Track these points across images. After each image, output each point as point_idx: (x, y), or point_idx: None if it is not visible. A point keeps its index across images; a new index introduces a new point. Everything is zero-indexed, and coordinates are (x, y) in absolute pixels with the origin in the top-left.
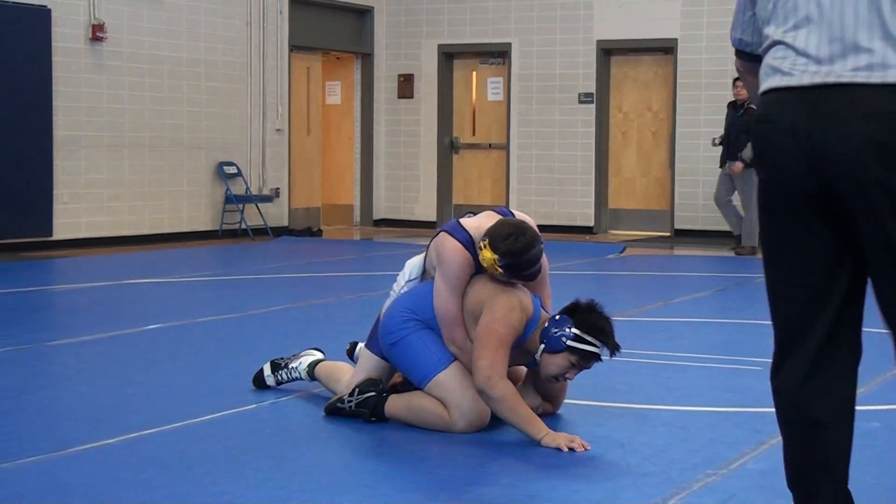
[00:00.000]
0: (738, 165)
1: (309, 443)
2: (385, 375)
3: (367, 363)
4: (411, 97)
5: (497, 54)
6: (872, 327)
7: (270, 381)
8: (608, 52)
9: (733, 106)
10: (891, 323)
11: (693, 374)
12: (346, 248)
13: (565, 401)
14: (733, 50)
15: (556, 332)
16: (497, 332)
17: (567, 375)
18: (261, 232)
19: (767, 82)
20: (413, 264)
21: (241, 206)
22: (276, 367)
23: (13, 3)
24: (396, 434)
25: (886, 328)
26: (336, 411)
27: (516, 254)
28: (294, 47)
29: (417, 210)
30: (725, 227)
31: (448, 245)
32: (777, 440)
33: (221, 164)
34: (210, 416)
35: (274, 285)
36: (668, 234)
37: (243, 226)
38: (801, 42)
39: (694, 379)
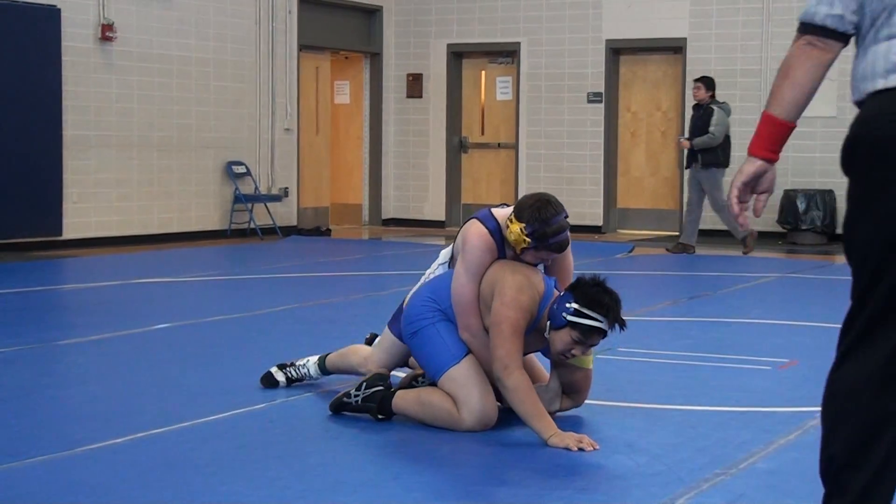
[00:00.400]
0: (685, 142)
1: (317, 442)
2: (402, 357)
3: (387, 341)
4: (420, 97)
5: (506, 54)
6: None
7: (280, 376)
8: (617, 51)
9: (696, 107)
10: None
11: (702, 374)
12: (355, 247)
13: None
14: (803, 29)
15: (557, 308)
16: (509, 317)
17: (573, 352)
18: (269, 231)
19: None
20: (446, 252)
21: (249, 205)
22: (282, 366)
23: (23, 2)
24: (405, 434)
25: None
26: (342, 406)
27: (542, 220)
28: (303, 47)
29: (426, 209)
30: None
31: (473, 230)
32: (785, 440)
33: (230, 164)
34: (218, 416)
35: (282, 285)
36: (676, 233)
37: (252, 225)
38: None
39: (702, 378)
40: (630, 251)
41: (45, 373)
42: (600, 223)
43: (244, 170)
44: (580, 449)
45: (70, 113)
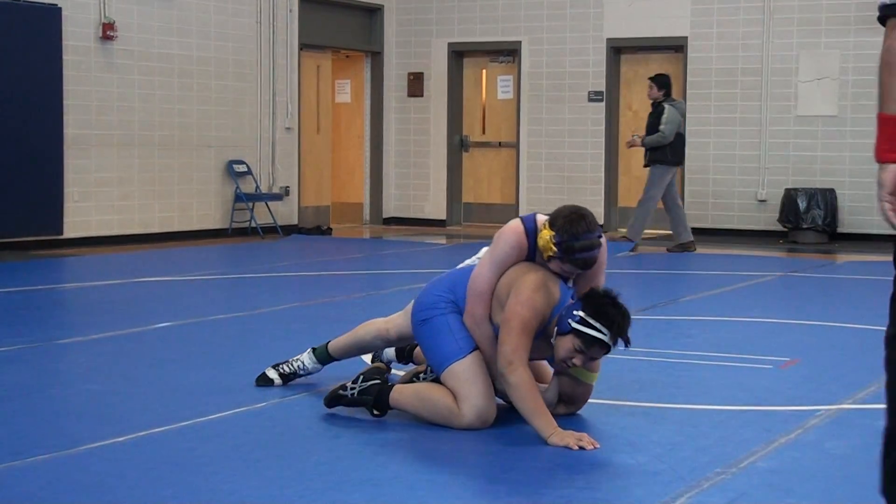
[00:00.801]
0: (636, 140)
1: (318, 441)
2: None
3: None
4: (421, 95)
5: (507, 52)
6: (884, 326)
7: (273, 374)
8: (618, 50)
9: (653, 105)
10: None
11: (702, 373)
12: (356, 246)
13: None
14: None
15: (565, 314)
16: (520, 315)
17: (574, 361)
18: (270, 230)
19: None
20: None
21: (250, 204)
22: (276, 366)
23: (24, 1)
24: (405, 433)
25: None
26: (337, 399)
27: (572, 233)
28: (304, 45)
29: (427, 208)
30: (735, 225)
31: (511, 225)
32: (786, 439)
33: (231, 163)
34: (219, 415)
35: (283, 284)
36: None
37: (253, 224)
38: None
39: (703, 377)
40: (631, 250)
41: (46, 371)
42: (601, 222)
43: (245, 169)
44: (580, 447)
45: (71, 112)
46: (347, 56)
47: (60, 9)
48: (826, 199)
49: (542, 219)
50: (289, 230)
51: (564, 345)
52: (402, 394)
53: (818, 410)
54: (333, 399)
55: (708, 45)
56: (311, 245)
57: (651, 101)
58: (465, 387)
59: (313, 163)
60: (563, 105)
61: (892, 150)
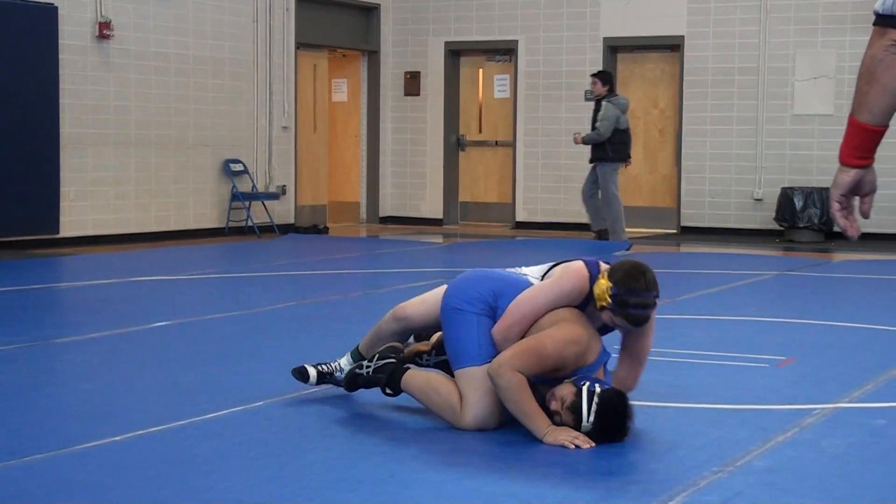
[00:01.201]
0: (577, 137)
1: (315, 441)
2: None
3: (439, 295)
4: (418, 94)
5: (503, 51)
6: (880, 324)
7: (312, 371)
8: (614, 49)
9: (596, 102)
10: None
11: (699, 372)
12: (353, 245)
13: None
14: (883, 22)
15: (584, 377)
16: (545, 346)
17: (558, 410)
18: (267, 229)
19: None
20: (537, 268)
21: (247, 203)
22: (316, 364)
23: (20, 1)
24: (402, 432)
25: None
26: (355, 378)
27: (630, 288)
28: (300, 45)
29: (423, 207)
30: (731, 224)
31: (576, 267)
32: (783, 438)
33: (228, 162)
34: (216, 414)
35: (280, 282)
36: (674, 231)
37: (249, 223)
38: None
39: (700, 376)
40: (627, 249)
41: (43, 371)
42: None
43: (242, 168)
44: (576, 446)
45: (67, 111)
46: (344, 55)
47: (57, 8)
48: (822, 198)
49: (605, 267)
50: (285, 229)
51: (563, 390)
52: (414, 379)
53: (814, 409)
54: (351, 379)
55: (704, 44)
56: (308, 244)
57: (595, 98)
58: (473, 393)
59: (310, 162)
60: (560, 104)
61: (857, 157)
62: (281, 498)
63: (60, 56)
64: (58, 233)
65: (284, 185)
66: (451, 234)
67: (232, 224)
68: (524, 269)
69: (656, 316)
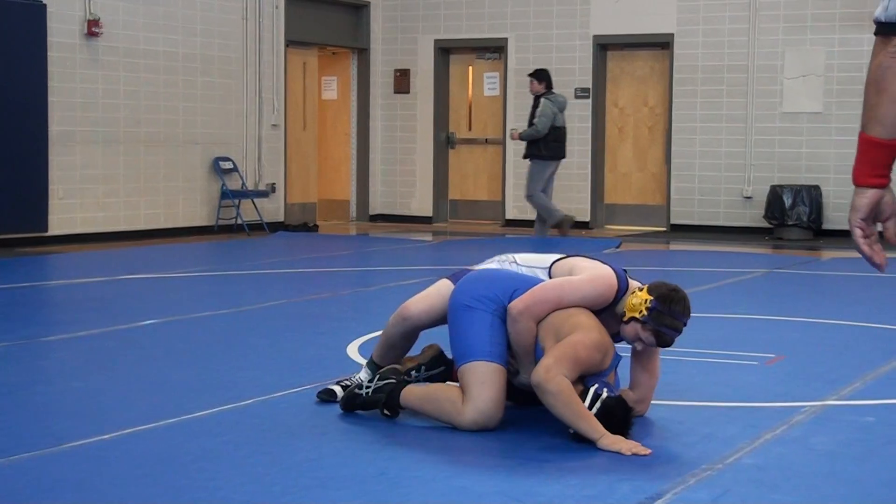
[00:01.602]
0: (514, 134)
1: (305, 439)
2: (443, 316)
3: (444, 289)
4: (407, 92)
5: (493, 49)
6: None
7: (337, 389)
8: (604, 46)
9: (534, 99)
10: None
11: (688, 369)
12: (342, 243)
13: None
14: (885, 30)
15: (592, 379)
16: (578, 353)
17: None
18: (257, 227)
19: None
20: (533, 259)
21: (236, 201)
22: (339, 381)
23: None
24: (393, 430)
25: None
26: (353, 399)
27: (670, 308)
28: (290, 42)
29: (413, 205)
30: (721, 221)
31: (606, 275)
32: (772, 435)
33: (217, 160)
34: (206, 412)
35: (270, 281)
36: (664, 228)
37: (239, 221)
38: None
39: (689, 374)
40: (617, 247)
41: (31, 369)
42: (588, 219)
43: (231, 165)
44: (633, 454)
45: (56, 109)
46: (334, 53)
47: (45, 5)
48: (811, 196)
49: (633, 282)
50: (275, 227)
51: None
52: (412, 391)
53: (803, 407)
54: (349, 399)
55: (694, 42)
56: (298, 242)
57: (533, 96)
58: (476, 387)
59: (299, 160)
60: None
61: (872, 175)
62: (270, 496)
63: (49, 54)
64: (46, 231)
65: (274, 183)
66: (440, 231)
67: (221, 222)
68: (517, 256)
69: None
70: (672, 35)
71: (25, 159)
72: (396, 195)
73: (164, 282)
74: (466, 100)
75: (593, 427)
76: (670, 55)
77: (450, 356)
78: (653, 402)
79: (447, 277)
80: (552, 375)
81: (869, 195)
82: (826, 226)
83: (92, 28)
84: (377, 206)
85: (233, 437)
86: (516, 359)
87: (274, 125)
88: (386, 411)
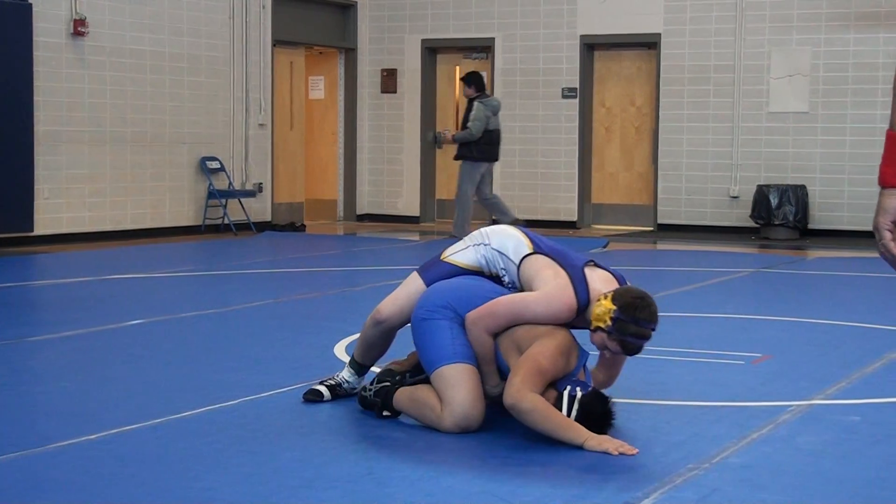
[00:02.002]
0: (447, 135)
1: (292, 438)
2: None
3: (412, 286)
4: (394, 92)
5: (480, 49)
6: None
7: (322, 388)
8: (591, 46)
9: (468, 102)
10: None
11: (675, 369)
12: (330, 242)
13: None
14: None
15: (566, 383)
16: (539, 362)
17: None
18: (244, 227)
19: None
20: (505, 243)
21: (223, 200)
22: (322, 381)
23: None
24: (380, 430)
25: None
26: (362, 400)
27: (634, 316)
28: (277, 42)
29: (401, 205)
30: (707, 221)
31: (566, 298)
32: (758, 434)
33: (204, 159)
34: (192, 412)
35: (257, 280)
36: (651, 228)
37: (226, 221)
38: None
39: (676, 373)
40: (604, 246)
41: (18, 369)
42: (575, 218)
43: (218, 165)
44: (620, 453)
45: (42, 108)
46: (321, 52)
47: (31, 5)
48: (797, 196)
49: (596, 287)
50: (262, 227)
51: (545, 396)
52: (401, 395)
53: (790, 406)
54: (360, 401)
55: (681, 41)
56: (285, 242)
57: (467, 99)
58: (448, 392)
59: (287, 159)
60: (537, 101)
61: None
62: (257, 496)
63: (35, 53)
64: (32, 231)
65: (261, 183)
66: (427, 231)
67: (208, 222)
68: (492, 238)
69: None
70: (659, 35)
71: (11, 159)
72: (383, 195)
73: (150, 282)
74: (453, 100)
75: (577, 433)
76: (657, 55)
77: None
78: (639, 401)
79: (417, 271)
80: (523, 395)
81: None
82: (812, 225)
83: (78, 28)
84: (364, 205)
85: (220, 437)
86: (479, 368)
87: (261, 125)
88: (385, 412)
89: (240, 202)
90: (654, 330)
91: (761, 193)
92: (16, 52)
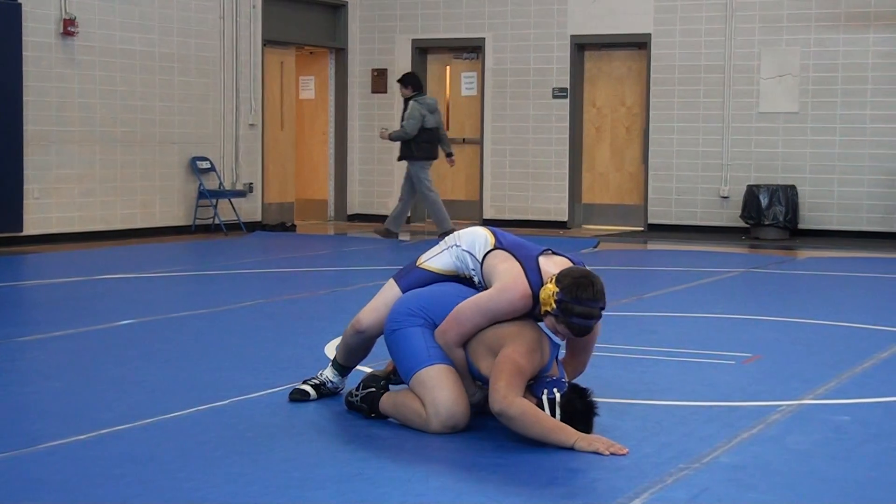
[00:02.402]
0: (383, 133)
1: (281, 439)
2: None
3: (388, 294)
4: (385, 92)
5: (471, 49)
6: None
7: (308, 388)
8: (582, 46)
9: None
10: None
11: (666, 369)
12: (320, 243)
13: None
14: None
15: (541, 383)
16: (517, 362)
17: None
18: (234, 227)
19: None
20: (474, 242)
21: (214, 201)
22: (306, 381)
23: None
24: (370, 430)
25: None
26: (350, 405)
27: (576, 296)
28: (267, 42)
29: (391, 205)
30: (698, 221)
31: (519, 287)
32: (749, 434)
33: (194, 159)
34: (182, 412)
35: (247, 280)
36: (641, 228)
37: (216, 221)
38: None
39: (667, 373)
40: (595, 246)
41: (7, 369)
42: (565, 218)
43: (208, 165)
44: (611, 453)
45: (31, 108)
46: (311, 52)
47: (20, 4)
48: (787, 196)
49: (548, 269)
50: (252, 227)
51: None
52: (385, 401)
53: (780, 406)
54: (348, 406)
55: (671, 42)
56: (275, 242)
57: (403, 99)
58: (430, 393)
59: (277, 159)
60: (528, 101)
61: None
62: (247, 496)
63: (24, 53)
64: (21, 231)
65: (251, 183)
66: (418, 231)
67: (199, 222)
68: (461, 239)
69: (599, 330)
70: (649, 35)
71: (0, 159)
72: (374, 195)
73: (140, 282)
74: (444, 99)
75: (567, 435)
76: (647, 55)
77: None
78: (629, 401)
79: (393, 277)
80: (510, 401)
81: None
82: (802, 225)
83: (68, 27)
84: (355, 205)
85: (210, 437)
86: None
87: (251, 125)
88: (373, 415)
89: (230, 202)
90: (602, 308)
91: (751, 193)
92: (5, 51)
